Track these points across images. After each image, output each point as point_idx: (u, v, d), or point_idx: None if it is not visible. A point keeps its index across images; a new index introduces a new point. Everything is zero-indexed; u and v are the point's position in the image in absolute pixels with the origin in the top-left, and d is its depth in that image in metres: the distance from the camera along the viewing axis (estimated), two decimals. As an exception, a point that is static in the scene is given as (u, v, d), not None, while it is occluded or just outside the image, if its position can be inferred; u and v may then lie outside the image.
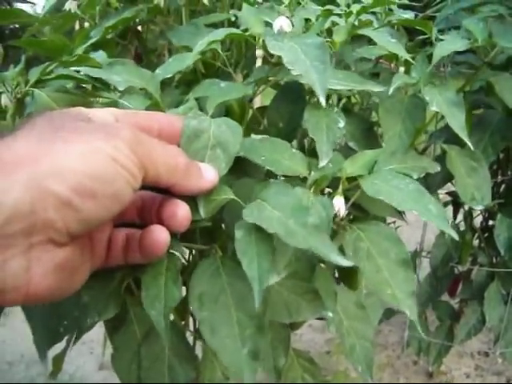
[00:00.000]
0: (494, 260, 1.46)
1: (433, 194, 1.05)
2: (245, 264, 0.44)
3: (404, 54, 0.67)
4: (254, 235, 0.46)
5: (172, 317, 0.82)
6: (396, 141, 0.66)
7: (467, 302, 1.49)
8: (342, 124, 0.56)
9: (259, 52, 0.61)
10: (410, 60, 0.70)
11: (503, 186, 1.33)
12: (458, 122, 0.60)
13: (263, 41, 0.56)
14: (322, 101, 0.48)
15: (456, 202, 1.44)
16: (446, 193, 1.41)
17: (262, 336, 0.47)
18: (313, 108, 0.57)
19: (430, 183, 1.04)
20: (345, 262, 0.42)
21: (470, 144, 0.64)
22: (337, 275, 0.85)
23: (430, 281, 1.45)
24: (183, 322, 0.88)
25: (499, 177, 1.31)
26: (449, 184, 1.01)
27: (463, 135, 0.63)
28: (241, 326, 0.47)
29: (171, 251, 0.49)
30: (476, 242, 1.49)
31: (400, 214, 1.42)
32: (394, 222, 1.72)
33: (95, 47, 0.69)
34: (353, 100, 0.99)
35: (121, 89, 0.57)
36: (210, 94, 0.57)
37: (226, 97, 0.56)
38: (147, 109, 0.58)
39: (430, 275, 1.45)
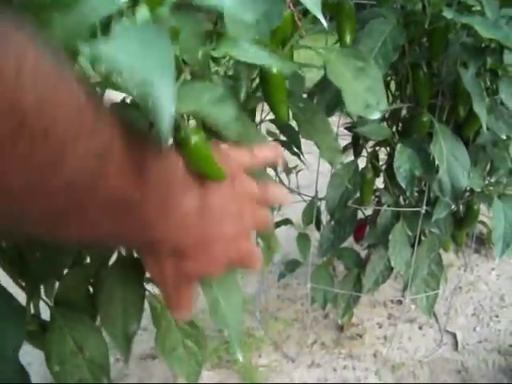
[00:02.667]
0: (403, 201, 1.34)
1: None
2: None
3: None
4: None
5: None
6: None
7: (374, 247, 1.36)
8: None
9: None
10: None
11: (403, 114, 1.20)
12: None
13: None
14: None
15: (356, 138, 1.30)
16: (345, 128, 1.27)
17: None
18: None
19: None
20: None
21: (324, 23, 0.47)
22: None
23: (332, 227, 1.31)
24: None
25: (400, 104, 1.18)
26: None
27: (317, 13, 0.46)
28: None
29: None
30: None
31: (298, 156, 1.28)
32: (296, 167, 1.58)
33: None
34: None
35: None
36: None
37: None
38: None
39: (331, 221, 1.31)
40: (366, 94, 0.61)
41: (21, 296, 0.74)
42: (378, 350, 1.58)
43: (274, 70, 0.60)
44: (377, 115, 0.61)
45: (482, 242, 2.14)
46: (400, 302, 1.80)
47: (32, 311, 0.75)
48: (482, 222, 1.94)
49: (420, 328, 1.69)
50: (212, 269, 0.49)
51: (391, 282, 1.77)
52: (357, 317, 1.67)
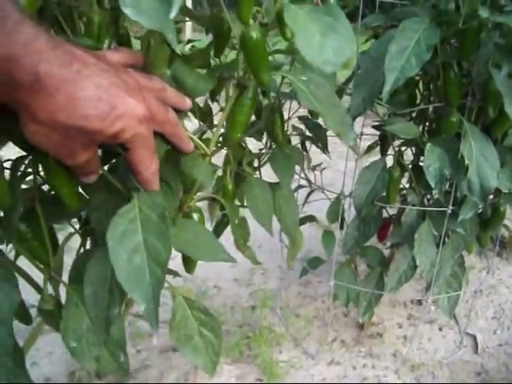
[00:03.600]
0: (426, 201, 1.34)
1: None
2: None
3: None
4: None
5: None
6: None
7: (398, 246, 1.36)
8: None
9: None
10: None
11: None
12: None
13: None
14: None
15: (383, 137, 1.30)
16: (373, 126, 1.27)
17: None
18: None
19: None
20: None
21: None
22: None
23: (357, 224, 1.31)
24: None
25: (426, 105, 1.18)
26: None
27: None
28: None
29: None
30: (407, 185, 1.37)
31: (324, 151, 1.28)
32: (320, 165, 1.59)
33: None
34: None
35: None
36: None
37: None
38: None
39: (356, 218, 1.31)
40: (330, 51, 0.56)
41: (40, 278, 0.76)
42: (398, 349, 1.58)
43: (254, 35, 0.59)
44: (331, 68, 0.55)
45: (504, 246, 2.13)
46: (420, 303, 1.80)
47: (50, 291, 0.77)
48: (505, 226, 1.93)
49: (440, 329, 1.69)
50: (87, 119, 0.45)
51: (411, 283, 1.77)
52: (377, 316, 1.67)
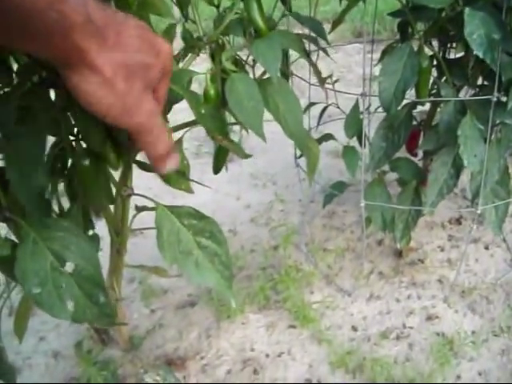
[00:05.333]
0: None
1: None
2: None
3: None
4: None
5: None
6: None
7: (434, 154, 1.16)
8: None
9: None
10: None
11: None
12: None
13: None
14: None
15: (404, 24, 1.09)
16: (389, 14, 1.06)
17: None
18: None
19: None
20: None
21: None
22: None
23: (384, 132, 1.10)
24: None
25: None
26: None
27: None
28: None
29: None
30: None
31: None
32: (331, 76, 1.37)
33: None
34: None
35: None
36: None
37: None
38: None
39: (382, 125, 1.11)
40: None
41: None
42: (444, 275, 1.40)
43: None
44: None
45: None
46: (459, 222, 1.61)
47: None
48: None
49: (486, 248, 1.50)
50: (141, 54, 0.46)
51: (445, 203, 1.58)
52: (415, 241, 1.49)
